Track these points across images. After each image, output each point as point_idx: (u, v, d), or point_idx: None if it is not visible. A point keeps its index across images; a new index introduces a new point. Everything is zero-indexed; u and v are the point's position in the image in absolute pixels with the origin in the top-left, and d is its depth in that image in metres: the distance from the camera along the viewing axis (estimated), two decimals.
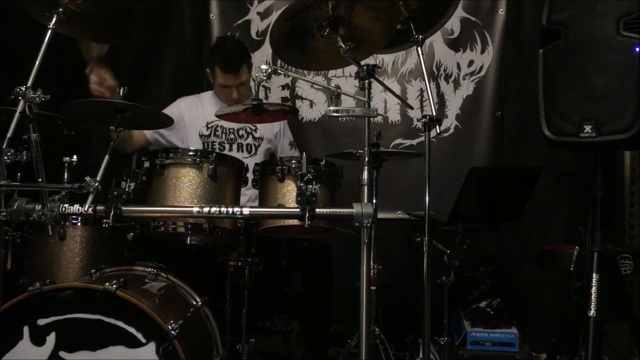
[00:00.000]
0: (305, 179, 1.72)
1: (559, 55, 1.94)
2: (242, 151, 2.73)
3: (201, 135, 2.72)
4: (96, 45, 2.41)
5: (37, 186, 1.59)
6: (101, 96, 2.20)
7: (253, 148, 2.75)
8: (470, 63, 3.28)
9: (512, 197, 2.47)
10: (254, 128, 2.77)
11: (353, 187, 1.72)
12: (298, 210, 1.64)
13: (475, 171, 2.38)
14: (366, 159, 1.69)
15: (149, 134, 2.65)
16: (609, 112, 1.84)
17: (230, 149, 2.72)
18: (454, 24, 3.27)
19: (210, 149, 2.68)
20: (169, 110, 2.72)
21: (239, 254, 2.22)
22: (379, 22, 1.89)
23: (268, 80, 2.09)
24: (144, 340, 1.68)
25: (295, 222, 1.87)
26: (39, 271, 2.09)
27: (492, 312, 2.63)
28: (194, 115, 2.75)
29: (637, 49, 1.79)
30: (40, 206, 1.59)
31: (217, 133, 2.73)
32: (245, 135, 2.75)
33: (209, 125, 2.74)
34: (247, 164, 2.16)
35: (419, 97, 3.30)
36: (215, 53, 2.68)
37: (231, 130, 2.74)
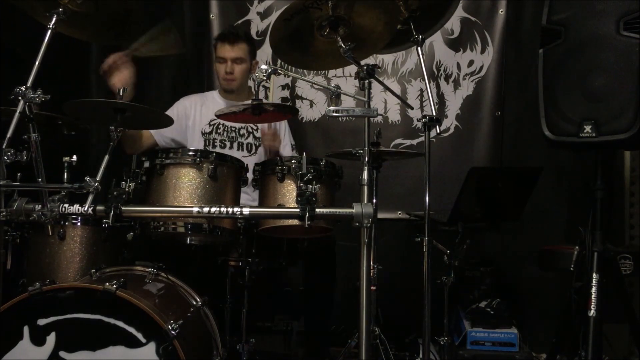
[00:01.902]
0: (305, 179, 1.72)
1: (559, 55, 1.94)
2: (242, 150, 2.73)
3: (203, 133, 2.73)
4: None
5: (37, 186, 1.59)
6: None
7: (253, 147, 2.75)
8: (470, 63, 3.28)
9: (512, 197, 2.47)
10: (255, 127, 2.77)
11: (353, 187, 1.72)
12: (298, 210, 1.64)
13: (475, 171, 2.38)
14: (366, 159, 1.69)
15: (157, 137, 2.65)
16: (609, 112, 1.84)
17: (231, 147, 2.73)
18: (454, 24, 3.27)
19: (211, 147, 2.70)
20: (173, 110, 2.75)
21: (239, 254, 2.22)
22: (379, 22, 1.89)
23: (268, 80, 2.09)
24: (144, 340, 1.68)
25: (295, 222, 1.87)
26: (39, 271, 2.09)
27: (492, 312, 2.63)
28: (197, 113, 2.77)
29: None
30: (40, 206, 1.59)
31: (218, 130, 2.74)
32: (247, 134, 2.75)
33: (211, 123, 2.75)
34: (247, 164, 2.17)
35: (419, 97, 3.30)
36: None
37: (233, 129, 2.75)
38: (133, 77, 2.36)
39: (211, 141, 2.72)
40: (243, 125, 2.75)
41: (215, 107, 2.71)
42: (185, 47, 3.38)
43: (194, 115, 2.76)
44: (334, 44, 1.85)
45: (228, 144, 2.73)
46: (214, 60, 2.81)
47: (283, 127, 2.86)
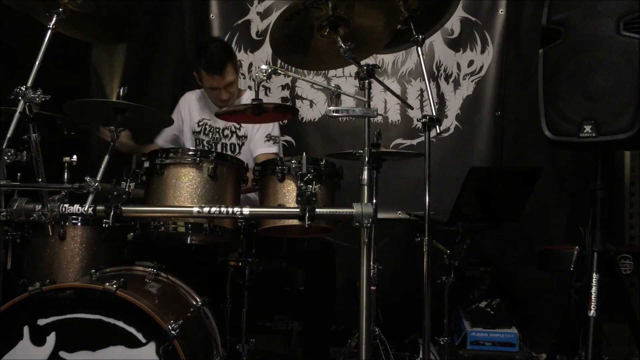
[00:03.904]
0: (305, 179, 1.72)
1: (559, 55, 1.94)
2: (226, 151, 2.73)
3: (193, 132, 2.76)
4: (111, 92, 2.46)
5: (37, 186, 1.59)
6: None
7: (237, 147, 2.74)
8: (470, 63, 3.28)
9: (512, 197, 2.47)
10: (238, 127, 2.75)
11: (353, 187, 1.72)
12: (298, 210, 1.64)
13: (475, 171, 2.37)
14: (366, 159, 1.69)
15: (161, 144, 2.71)
16: (609, 112, 1.84)
17: (215, 149, 2.73)
18: (454, 24, 3.27)
19: (210, 149, 2.70)
20: (174, 116, 2.79)
21: (239, 254, 2.22)
22: (379, 22, 1.89)
23: (268, 80, 2.09)
24: (144, 340, 1.68)
25: (295, 222, 1.87)
26: (39, 271, 2.09)
27: (492, 312, 2.63)
28: (189, 112, 2.80)
29: None
30: (40, 206, 1.59)
31: (205, 131, 2.76)
32: (230, 135, 2.75)
33: (200, 123, 2.77)
34: (247, 163, 2.17)
35: (419, 97, 3.30)
36: (199, 56, 2.62)
37: (217, 129, 2.75)
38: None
39: (200, 141, 2.74)
40: (227, 125, 2.74)
41: (204, 105, 2.76)
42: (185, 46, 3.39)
43: (187, 113, 2.79)
44: (334, 44, 1.85)
45: (213, 145, 2.74)
46: (198, 81, 2.69)
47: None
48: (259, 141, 2.69)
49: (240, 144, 2.74)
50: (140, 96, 3.24)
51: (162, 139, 2.72)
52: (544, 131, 1.97)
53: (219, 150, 2.72)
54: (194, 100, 2.81)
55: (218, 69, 2.56)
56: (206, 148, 2.70)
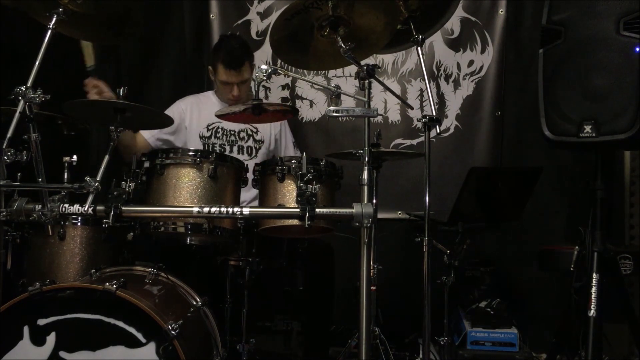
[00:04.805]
0: (305, 179, 1.72)
1: (559, 55, 1.94)
2: (243, 153, 2.72)
3: (201, 137, 2.70)
4: (89, 56, 2.38)
5: (37, 186, 1.59)
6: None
7: (253, 150, 2.74)
8: (470, 63, 3.28)
9: (512, 197, 2.47)
10: (255, 130, 2.75)
11: (353, 187, 1.72)
12: (298, 210, 1.64)
13: (475, 171, 2.38)
14: (366, 159, 1.69)
15: (151, 141, 2.61)
16: (609, 112, 1.84)
17: (231, 151, 2.71)
18: (454, 24, 3.27)
19: (210, 150, 2.68)
20: (169, 113, 2.70)
21: (239, 254, 2.22)
22: (379, 22, 1.89)
23: (268, 80, 2.09)
24: (144, 340, 1.68)
25: (296, 222, 1.87)
26: (39, 271, 2.09)
27: (492, 312, 2.63)
28: (194, 116, 2.74)
29: (638, 49, 1.78)
30: (40, 206, 1.59)
31: (217, 135, 2.72)
32: (246, 138, 2.74)
33: (210, 127, 2.72)
34: (247, 164, 2.16)
35: (419, 97, 3.30)
36: (219, 49, 2.66)
37: (232, 132, 2.73)
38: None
39: (210, 145, 2.69)
40: (242, 128, 2.73)
41: (212, 109, 2.70)
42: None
43: (190, 118, 2.72)
44: (334, 44, 1.85)
45: (228, 147, 2.71)
46: (212, 75, 2.72)
47: (282, 126, 2.85)
48: (290, 147, 2.88)
49: (257, 147, 2.74)
50: (140, 96, 3.24)
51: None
52: (544, 131, 1.97)
53: (235, 152, 2.70)
54: (202, 104, 2.77)
55: (236, 64, 2.58)
56: (218, 151, 2.67)
